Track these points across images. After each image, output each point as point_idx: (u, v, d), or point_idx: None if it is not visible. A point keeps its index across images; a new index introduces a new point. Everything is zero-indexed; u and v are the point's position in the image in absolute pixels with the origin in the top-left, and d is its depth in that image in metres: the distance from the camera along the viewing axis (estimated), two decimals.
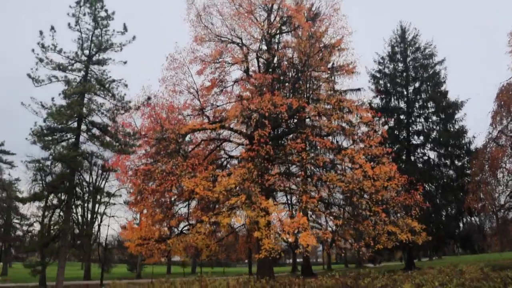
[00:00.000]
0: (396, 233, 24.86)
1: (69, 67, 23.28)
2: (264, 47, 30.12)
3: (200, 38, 29.62)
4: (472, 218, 37.37)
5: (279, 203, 31.92)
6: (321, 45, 29.24)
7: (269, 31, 29.42)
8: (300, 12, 28.33)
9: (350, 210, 27.69)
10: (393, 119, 38.25)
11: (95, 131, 24.10)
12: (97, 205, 48.12)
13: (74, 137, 23.49)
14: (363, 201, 25.40)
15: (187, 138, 29.61)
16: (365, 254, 29.35)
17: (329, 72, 30.85)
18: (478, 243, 42.56)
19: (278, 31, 30.35)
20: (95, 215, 49.38)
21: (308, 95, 28.60)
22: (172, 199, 30.23)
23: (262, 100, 25.23)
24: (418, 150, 38.48)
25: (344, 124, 28.86)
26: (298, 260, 62.90)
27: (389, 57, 40.73)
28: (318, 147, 28.66)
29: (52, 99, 22.27)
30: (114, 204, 50.20)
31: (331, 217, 27.57)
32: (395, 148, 35.41)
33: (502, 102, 28.79)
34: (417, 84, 39.30)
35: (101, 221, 51.48)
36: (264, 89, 26.62)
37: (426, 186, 34.46)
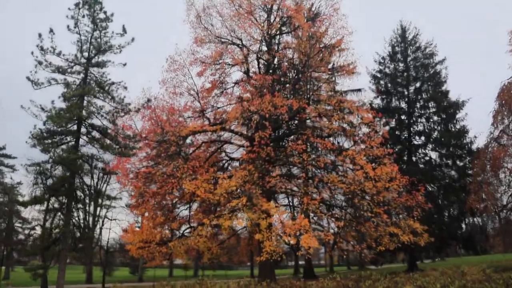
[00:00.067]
0: (398, 235, 24.74)
1: (69, 70, 23.22)
2: (264, 48, 30.07)
3: (200, 39, 29.57)
4: (475, 219, 37.14)
5: (280, 205, 31.80)
6: (321, 46, 29.15)
7: (269, 32, 29.37)
8: (300, 12, 28.26)
9: (351, 212, 27.55)
10: (394, 120, 38.16)
11: (95, 133, 24.02)
12: (98, 208, 48.09)
13: (74, 140, 23.41)
14: (364, 202, 25.24)
15: (188, 140, 29.56)
16: (367, 256, 29.27)
17: (329, 72, 30.77)
18: (481, 244, 42.22)
19: (278, 32, 30.31)
20: (96, 218, 49.31)
21: (308, 96, 28.48)
22: (174, 201, 30.17)
23: (263, 101, 25.16)
24: (420, 151, 38.34)
25: (345, 125, 28.72)
26: (300, 262, 62.63)
27: (390, 57, 40.65)
28: (319, 149, 28.53)
29: (52, 102, 22.24)
30: (115, 207, 50.11)
31: (332, 219, 27.40)
32: (396, 149, 35.27)
33: (503, 102, 28.61)
34: (418, 84, 39.19)
35: (102, 224, 51.38)
36: (265, 90, 26.53)
37: (428, 187, 34.28)
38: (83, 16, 23.50)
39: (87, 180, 30.28)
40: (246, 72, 30.03)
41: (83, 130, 23.70)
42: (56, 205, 24.61)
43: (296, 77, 29.10)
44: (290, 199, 38.76)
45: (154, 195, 26.98)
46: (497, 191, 29.48)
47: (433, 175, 36.10)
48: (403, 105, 39.09)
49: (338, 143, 29.60)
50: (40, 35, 22.11)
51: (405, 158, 37.33)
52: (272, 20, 29.86)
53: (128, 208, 44.67)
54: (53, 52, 22.49)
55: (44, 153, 22.20)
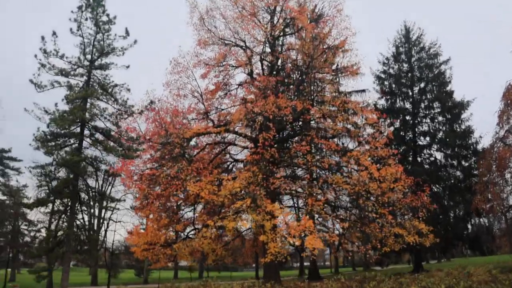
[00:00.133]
0: (403, 235, 24.68)
1: (72, 72, 23.29)
2: (268, 50, 30.03)
3: (204, 41, 29.59)
4: (481, 220, 36.97)
5: (285, 206, 31.78)
6: (324, 47, 29.10)
7: (273, 33, 29.36)
8: (303, 13, 28.22)
9: (356, 213, 27.48)
10: (398, 120, 38.05)
11: (98, 136, 24.08)
12: (103, 211, 48.22)
13: (77, 142, 23.49)
14: (369, 203, 25.15)
15: (192, 142, 29.56)
16: (372, 257, 29.14)
17: (333, 73, 30.69)
18: (487, 245, 42.14)
19: (281, 33, 30.30)
20: (101, 220, 49.47)
21: (312, 97, 28.45)
22: (178, 203, 30.19)
23: (266, 102, 25.14)
24: (425, 151, 38.20)
25: (349, 126, 28.64)
26: (305, 263, 62.57)
27: (394, 57, 40.53)
28: (324, 150, 28.47)
29: (56, 104, 22.33)
30: (119, 209, 50.23)
31: (337, 220, 27.33)
32: (401, 150, 35.22)
33: (509, 101, 28.40)
34: (422, 85, 39.05)
35: (107, 227, 51.57)
36: (268, 91, 26.50)
37: (433, 187, 34.17)
38: (86, 19, 23.58)
39: (91, 182, 30.40)
40: (250, 74, 30.02)
41: (86, 132, 23.78)
42: (61, 207, 24.72)
43: (300, 78, 29.07)
44: (295, 200, 38.73)
45: (159, 197, 27.01)
46: (503, 191, 29.25)
47: (438, 175, 35.93)
48: (408, 105, 38.96)
49: (343, 144, 29.54)
50: (43, 38, 22.24)
51: (410, 158, 37.21)
52: (275, 22, 29.83)
53: (133, 210, 44.80)
54: (56, 55, 22.57)
55: (48, 156, 22.28)
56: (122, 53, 24.46)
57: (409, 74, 39.37)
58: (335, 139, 29.25)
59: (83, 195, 24.87)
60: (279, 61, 30.32)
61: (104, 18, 24.05)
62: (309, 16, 29.98)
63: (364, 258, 37.56)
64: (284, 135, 30.52)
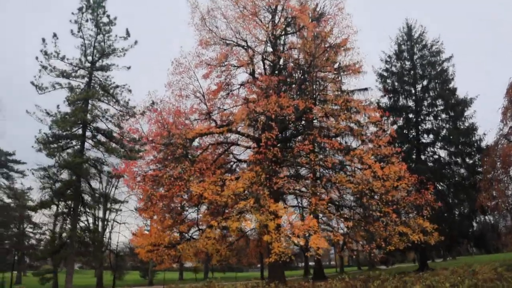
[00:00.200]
0: (407, 234, 24.55)
1: (73, 74, 23.36)
2: (270, 49, 29.99)
3: (205, 41, 29.54)
4: (486, 217, 36.76)
5: (289, 206, 31.70)
6: (326, 45, 29.04)
7: (274, 33, 29.29)
8: (305, 12, 28.17)
9: (360, 212, 27.37)
10: (401, 118, 37.99)
11: (100, 137, 24.12)
12: (107, 212, 48.30)
13: (79, 143, 23.53)
14: (373, 202, 25.06)
15: (195, 143, 29.51)
16: (377, 256, 29.00)
17: (335, 72, 30.62)
18: (493, 243, 41.78)
19: (283, 33, 30.24)
20: (105, 222, 49.54)
21: (315, 96, 28.36)
22: (182, 204, 30.14)
23: (268, 102, 25.10)
24: (428, 149, 38.06)
25: (352, 125, 28.57)
26: (310, 263, 62.41)
27: (396, 55, 40.42)
28: (327, 149, 28.38)
29: (58, 106, 22.40)
30: (121, 210, 50.29)
31: (341, 219, 27.24)
32: (404, 148, 35.07)
33: None
34: (425, 82, 38.90)
35: (112, 228, 51.62)
36: (271, 91, 26.46)
37: (438, 185, 34.02)
38: (87, 20, 23.67)
39: (95, 184, 30.42)
40: (252, 74, 29.97)
41: (88, 134, 23.85)
42: (64, 210, 24.76)
43: (302, 77, 29.01)
44: (299, 200, 38.64)
45: (162, 198, 26.94)
46: (508, 188, 29.14)
47: (442, 173, 35.80)
48: (411, 103, 38.84)
49: (346, 142, 29.46)
50: (43, 40, 22.33)
51: (413, 156, 37.06)
52: (276, 21, 29.78)
53: (136, 212, 44.79)
54: (57, 57, 22.67)
55: (50, 157, 22.34)
56: (123, 54, 24.52)
57: (412, 72, 39.22)
58: (338, 138, 29.15)
59: (86, 197, 24.89)
60: (281, 60, 30.27)
61: (105, 19, 24.13)
62: (311, 15, 29.94)
63: (369, 257, 37.47)
64: (287, 135, 30.45)
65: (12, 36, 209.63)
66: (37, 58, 22.39)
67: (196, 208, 29.91)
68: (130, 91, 24.26)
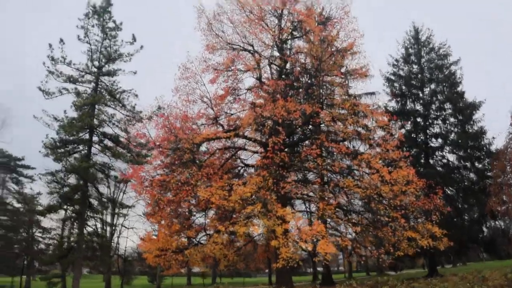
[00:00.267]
0: (416, 239, 24.28)
1: (79, 79, 23.50)
2: (276, 53, 30.02)
3: (212, 46, 29.58)
4: (496, 222, 36.36)
5: (297, 211, 31.56)
6: (333, 49, 28.99)
7: (281, 37, 29.32)
8: (311, 16, 28.19)
9: (369, 217, 27.16)
10: (409, 122, 37.73)
11: (107, 142, 24.21)
12: (115, 217, 48.41)
13: (86, 148, 23.63)
14: (381, 206, 24.83)
15: (203, 148, 29.52)
16: (386, 262, 28.74)
17: (342, 76, 30.50)
18: (504, 248, 41.26)
19: (289, 37, 30.25)
20: (113, 227, 49.65)
21: (322, 100, 28.31)
22: (189, 209, 30.13)
23: (275, 106, 25.06)
24: (437, 153, 37.73)
25: (359, 129, 28.44)
26: (319, 269, 62.05)
27: (403, 59, 40.25)
28: (334, 153, 28.26)
29: (65, 111, 22.50)
30: (127, 214, 50.41)
31: (349, 224, 27.06)
32: (412, 152, 34.78)
33: None
34: (433, 86, 38.66)
35: (120, 233, 51.77)
36: (277, 95, 26.43)
37: (447, 190, 33.70)
38: (93, 26, 23.81)
39: (103, 189, 30.50)
40: (259, 78, 29.94)
41: (95, 138, 23.92)
42: (72, 214, 24.84)
43: (308, 81, 28.95)
44: (307, 205, 38.47)
45: (170, 203, 26.96)
46: None
47: (451, 177, 35.46)
48: (419, 107, 38.58)
49: (353, 147, 29.29)
50: (50, 45, 22.44)
51: (422, 161, 36.77)
52: (283, 25, 29.80)
53: (144, 217, 44.85)
54: (64, 62, 22.77)
55: (57, 162, 22.43)
56: (129, 59, 24.62)
57: (419, 76, 39.00)
58: (346, 142, 28.97)
59: (93, 201, 24.96)
60: (288, 64, 30.24)
61: (111, 24, 24.26)
62: (317, 19, 29.92)
63: (377, 263, 37.16)
64: (294, 139, 30.36)
65: (12, 36, 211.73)
66: (44, 63, 22.55)
67: (204, 213, 29.88)
68: (136, 95, 24.36)
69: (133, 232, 56.47)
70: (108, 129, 24.24)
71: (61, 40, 22.40)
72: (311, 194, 30.51)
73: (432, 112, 37.98)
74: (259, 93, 29.45)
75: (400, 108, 38.65)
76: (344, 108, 28.07)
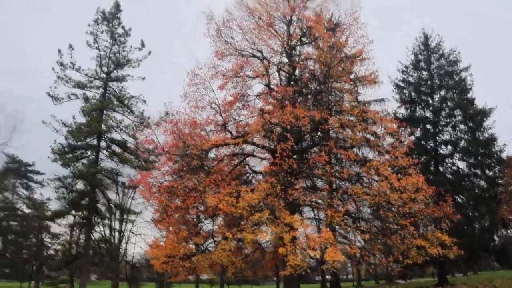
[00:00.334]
0: (425, 247, 23.98)
1: (88, 85, 23.68)
2: (285, 60, 29.97)
3: (221, 53, 29.60)
4: (508, 231, 35.88)
5: (305, 218, 31.33)
6: (342, 56, 28.92)
7: (289, 43, 29.30)
8: (320, 22, 28.14)
9: (377, 224, 26.91)
10: (419, 129, 37.48)
11: (115, 147, 24.28)
12: (123, 223, 48.49)
13: (94, 154, 23.72)
14: (390, 214, 24.58)
15: (211, 154, 29.48)
16: (394, 270, 28.40)
17: (351, 82, 30.36)
18: None
19: (298, 43, 30.20)
20: (121, 233, 49.73)
21: (330, 106, 28.19)
22: (197, 215, 30.06)
23: (284, 113, 24.98)
24: (447, 160, 37.39)
25: (368, 136, 28.23)
26: (327, 277, 61.56)
27: (413, 65, 40.10)
28: (343, 160, 28.10)
29: (73, 117, 22.64)
30: (135, 220, 50.48)
31: (358, 232, 26.83)
32: (422, 159, 34.53)
33: None
34: (442, 92, 38.45)
35: (128, 239, 51.81)
36: (286, 102, 26.36)
37: (457, 198, 33.32)
38: (102, 32, 24.00)
39: (111, 195, 30.56)
40: (267, 84, 29.90)
41: (103, 144, 24.01)
42: (80, 220, 24.90)
43: (317, 87, 28.86)
44: (315, 212, 38.24)
45: (177, 209, 26.91)
46: None
47: (461, 185, 35.09)
48: (428, 114, 38.33)
49: (362, 154, 29.07)
50: (59, 51, 22.65)
51: (431, 168, 36.47)
52: (292, 31, 29.78)
53: (152, 223, 44.85)
54: (73, 68, 22.96)
55: (65, 168, 22.54)
56: (137, 65, 24.79)
57: (429, 82, 38.80)
58: (355, 149, 28.76)
59: (101, 207, 25.01)
60: (297, 71, 30.18)
61: (120, 30, 24.47)
62: (326, 25, 29.84)
63: (386, 271, 36.76)
64: (303, 146, 30.23)
65: (12, 36, 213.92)
66: (53, 69, 22.78)
67: (212, 220, 29.79)
68: (144, 101, 24.48)
69: (141, 238, 56.48)
70: (116, 135, 24.39)
71: (70, 46, 22.63)
72: (319, 201, 30.30)
73: (442, 119, 37.71)
74: (268, 100, 29.37)
75: (410, 114, 38.43)
76: (353, 115, 27.93)
